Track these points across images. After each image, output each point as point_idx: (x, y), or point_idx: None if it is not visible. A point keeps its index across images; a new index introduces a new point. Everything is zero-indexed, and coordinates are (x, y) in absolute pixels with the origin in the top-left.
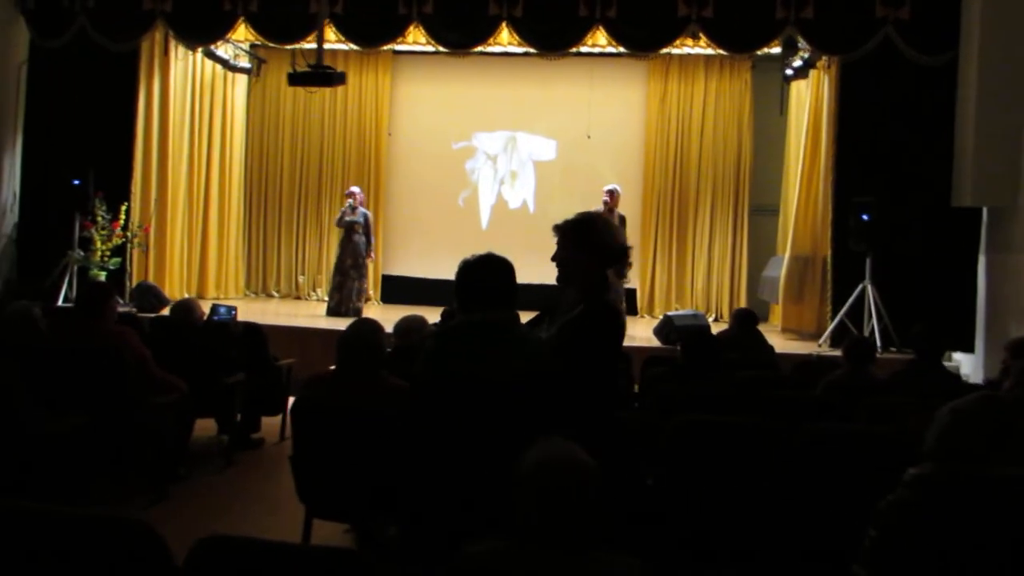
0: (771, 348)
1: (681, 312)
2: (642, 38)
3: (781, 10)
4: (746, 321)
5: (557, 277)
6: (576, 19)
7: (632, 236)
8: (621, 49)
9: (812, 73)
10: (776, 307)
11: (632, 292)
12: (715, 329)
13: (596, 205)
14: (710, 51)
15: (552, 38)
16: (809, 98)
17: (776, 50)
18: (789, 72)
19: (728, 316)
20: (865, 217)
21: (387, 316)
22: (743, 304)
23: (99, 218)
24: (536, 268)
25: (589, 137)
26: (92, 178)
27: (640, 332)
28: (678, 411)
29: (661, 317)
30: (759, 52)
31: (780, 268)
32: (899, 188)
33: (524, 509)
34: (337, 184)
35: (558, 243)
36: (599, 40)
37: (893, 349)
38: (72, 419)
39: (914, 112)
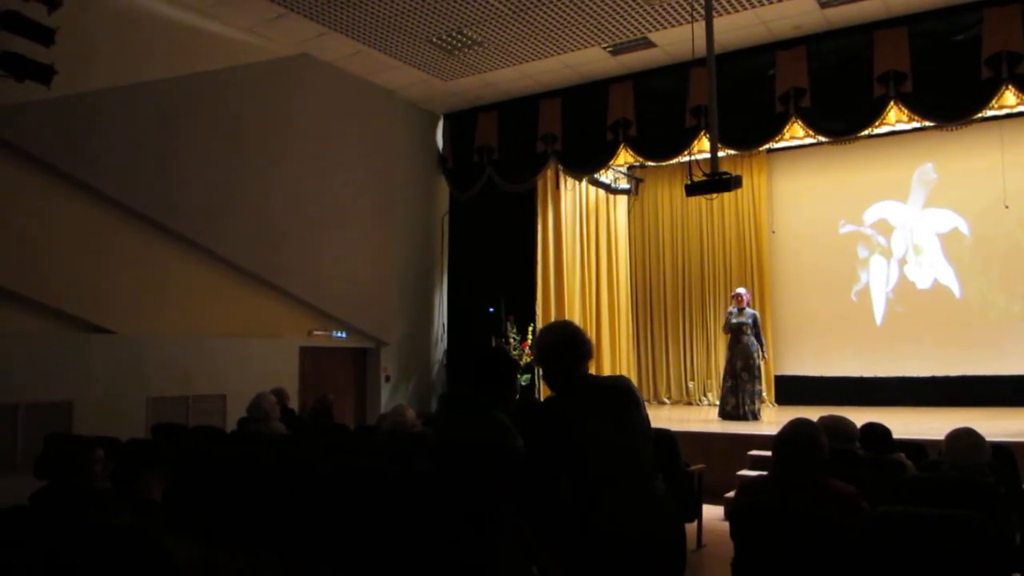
0: None
1: None
2: None
3: None
4: None
5: None
6: (978, 83)
7: None
8: None
9: None
10: None
11: None
12: None
13: (1021, 282)
14: None
15: (950, 109)
16: None
17: None
18: None
19: None
20: None
21: (784, 419)
22: None
23: (511, 339)
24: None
25: (1007, 207)
26: (504, 304)
27: None
28: None
29: None
30: None
31: None
32: None
33: None
34: (720, 287)
35: None
36: (1007, 100)
37: None
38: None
39: None
